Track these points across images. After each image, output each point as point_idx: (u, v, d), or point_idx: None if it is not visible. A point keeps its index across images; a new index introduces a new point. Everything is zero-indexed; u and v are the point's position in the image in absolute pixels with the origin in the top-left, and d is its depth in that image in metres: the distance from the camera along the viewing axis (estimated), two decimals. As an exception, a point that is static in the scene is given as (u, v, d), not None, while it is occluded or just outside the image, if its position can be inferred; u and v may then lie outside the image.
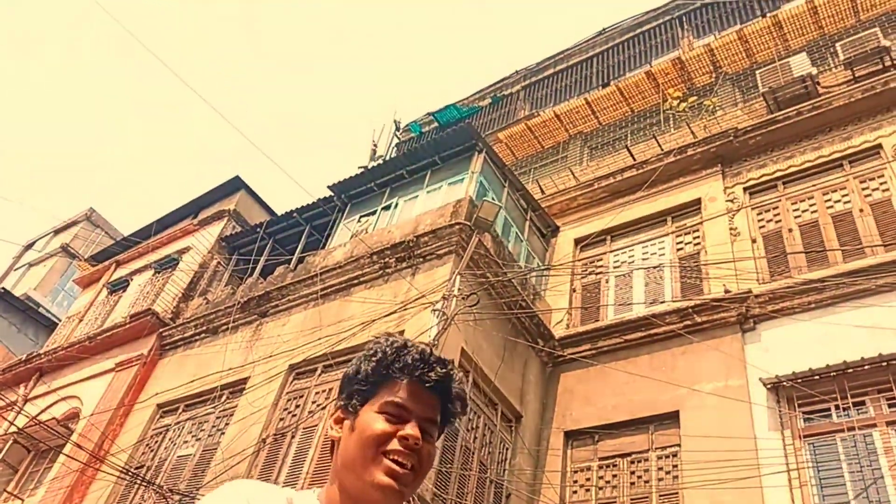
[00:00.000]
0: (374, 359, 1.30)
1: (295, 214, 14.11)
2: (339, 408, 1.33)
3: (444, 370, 1.30)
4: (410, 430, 1.23)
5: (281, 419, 10.00)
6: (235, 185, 16.89)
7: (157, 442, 11.61)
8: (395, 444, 1.22)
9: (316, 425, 9.44)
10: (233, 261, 15.16)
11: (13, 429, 12.38)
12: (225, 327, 12.31)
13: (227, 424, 10.64)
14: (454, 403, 1.33)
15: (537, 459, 10.11)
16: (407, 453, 1.22)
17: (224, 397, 11.15)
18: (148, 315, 13.57)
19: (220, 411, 11.06)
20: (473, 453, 9.29)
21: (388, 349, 1.30)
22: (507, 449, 10.06)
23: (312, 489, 1.33)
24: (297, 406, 10.00)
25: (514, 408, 10.26)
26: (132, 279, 16.61)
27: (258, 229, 14.74)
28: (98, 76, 63.94)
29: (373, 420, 1.24)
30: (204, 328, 12.80)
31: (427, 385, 1.28)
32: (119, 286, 16.88)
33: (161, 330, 13.35)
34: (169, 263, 15.90)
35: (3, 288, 22.95)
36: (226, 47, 66.34)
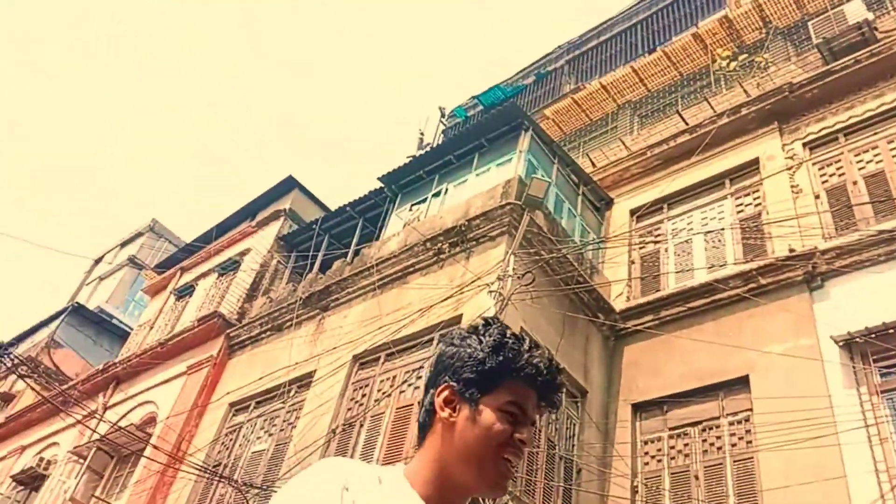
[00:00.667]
0: (501, 354, 1.28)
1: (348, 208, 14.28)
2: (451, 388, 1.29)
3: (558, 382, 1.33)
4: (527, 435, 1.25)
5: (349, 409, 10.17)
6: (289, 184, 17.20)
7: (231, 439, 11.95)
8: (511, 446, 1.24)
9: (383, 413, 9.56)
10: (292, 258, 15.45)
11: (96, 436, 12.91)
12: (289, 324, 12.56)
13: (297, 418, 10.87)
14: (545, 410, 1.34)
15: (606, 433, 10.01)
16: (518, 457, 1.25)
17: (292, 392, 11.39)
18: (214, 318, 13.96)
19: (289, 406, 11.31)
20: (540, 431, 9.25)
21: (517, 347, 1.29)
22: (574, 425, 9.99)
23: (395, 465, 1.33)
24: (364, 395, 10.15)
25: (579, 383, 10.17)
26: (197, 284, 17.10)
27: (314, 226, 14.98)
28: (139, 87, 65.91)
29: (497, 419, 1.24)
30: (269, 326, 13.09)
31: (547, 395, 1.31)
32: (185, 292, 17.40)
33: (228, 331, 13.70)
34: (231, 266, 16.30)
35: (77, 303, 23.96)
36: (274, 50, 67.47)
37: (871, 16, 11.96)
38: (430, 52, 67.48)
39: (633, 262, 12.18)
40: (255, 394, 11.99)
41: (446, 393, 1.29)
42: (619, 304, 11.29)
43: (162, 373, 14.35)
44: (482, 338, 1.31)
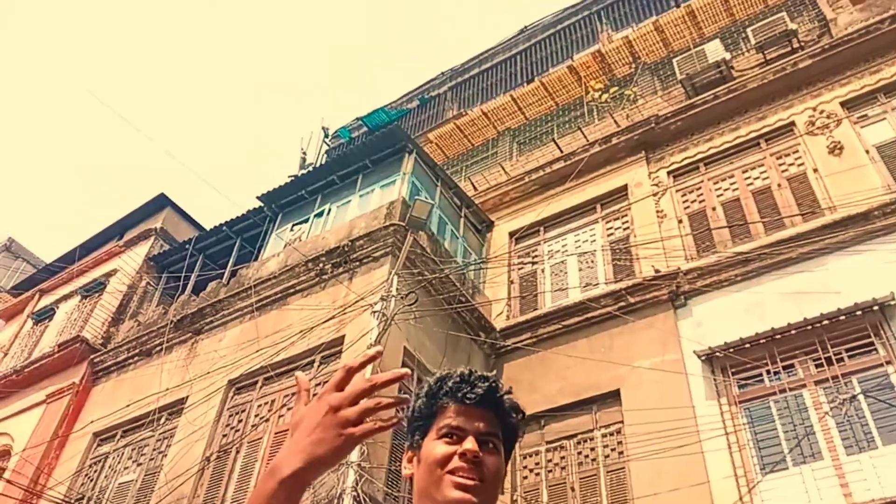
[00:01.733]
0: (422, 394, 1.37)
1: (224, 228, 13.83)
2: (407, 448, 1.39)
3: (485, 384, 1.34)
4: (468, 444, 1.27)
5: (224, 435, 9.78)
6: (160, 202, 16.46)
7: (96, 471, 11.20)
8: (456, 462, 1.26)
9: (261, 438, 9.26)
10: (163, 280, 14.76)
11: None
12: (159, 348, 11.97)
13: (168, 446, 10.35)
14: (509, 415, 1.36)
15: (486, 451, 10.13)
16: (469, 468, 1.25)
17: (163, 419, 10.84)
18: (77, 342, 13.09)
19: (159, 434, 10.75)
20: (422, 450, 9.24)
21: (434, 383, 1.37)
22: (455, 444, 10.05)
23: None
24: (240, 421, 9.80)
25: (461, 403, 10.26)
26: (58, 307, 15.99)
27: (187, 246, 14.39)
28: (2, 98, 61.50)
29: (433, 446, 1.29)
30: (137, 351, 12.42)
31: (474, 402, 1.32)
32: (45, 315, 16.23)
33: (92, 356, 12.89)
34: (96, 288, 15.37)
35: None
36: (142, 60, 64.73)
37: (728, 55, 13.01)
38: (314, 71, 66.99)
39: (512, 283, 12.53)
40: (121, 422, 11.30)
41: (407, 454, 1.39)
42: (499, 323, 11.55)
43: (18, 402, 13.29)
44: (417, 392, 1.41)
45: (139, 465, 10.62)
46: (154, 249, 15.22)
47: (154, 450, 10.61)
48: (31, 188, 63.78)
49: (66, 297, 15.97)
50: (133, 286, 14.52)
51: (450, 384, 1.34)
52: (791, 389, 8.28)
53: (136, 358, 12.40)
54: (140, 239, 15.64)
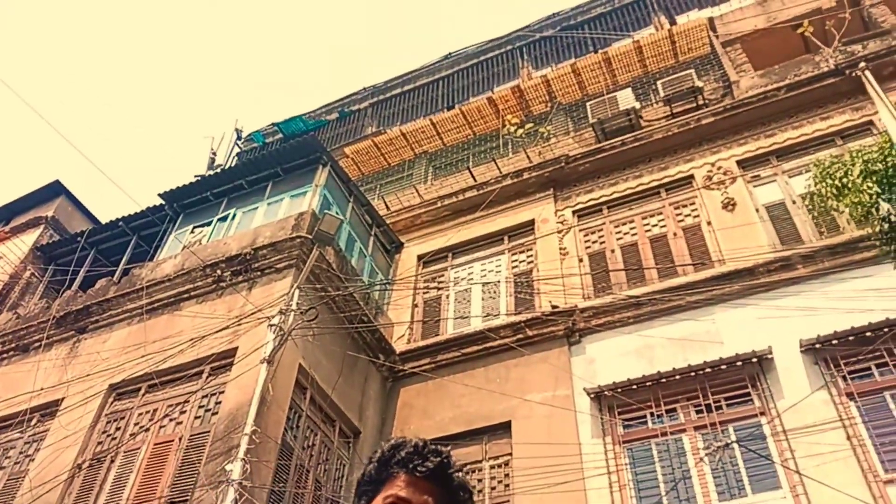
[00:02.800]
0: (374, 460, 1.41)
1: (121, 224, 13.23)
2: None
3: (437, 458, 1.37)
4: None
5: (99, 442, 9.29)
6: (55, 189, 15.62)
7: (-49, 473, 10.37)
8: None
9: (138, 448, 8.85)
10: (49, 272, 13.96)
11: None
12: (37, 344, 11.27)
13: (37, 450, 9.73)
14: (458, 493, 1.39)
15: (374, 475, 10.05)
16: None
17: (34, 420, 10.19)
18: (-55, 331, 12.15)
19: (28, 436, 10.10)
20: (309, 471, 9.08)
21: (387, 450, 1.40)
22: (344, 466, 9.94)
23: None
24: (118, 429, 9.34)
25: (353, 424, 10.17)
26: (-72, 291, 14.83)
27: (79, 238, 13.67)
28: None
29: None
30: (13, 345, 11.65)
31: (424, 475, 1.35)
32: (-89, 299, 15.00)
33: (-39, 348, 11.99)
34: (-27, 274, 14.36)
35: None
36: (47, 40, 61.48)
37: (638, 105, 13.61)
38: (231, 69, 65.37)
39: (416, 306, 12.56)
40: (-14, 421, 10.54)
41: None
42: (399, 346, 11.53)
43: None
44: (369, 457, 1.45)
45: (2, 468, 9.93)
46: (43, 239, 14.41)
47: (21, 453, 9.95)
48: None
49: (-63, 281, 14.84)
50: (15, 275, 13.67)
51: (402, 454, 1.37)
52: (672, 433, 8.64)
53: (10, 353, 11.63)
54: (28, 226, 14.77)
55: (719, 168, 11.69)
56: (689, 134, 12.36)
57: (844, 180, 8.10)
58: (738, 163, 11.62)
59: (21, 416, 10.14)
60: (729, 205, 11.01)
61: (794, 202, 10.68)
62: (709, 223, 11.01)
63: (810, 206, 10.18)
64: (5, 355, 11.64)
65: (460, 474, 1.41)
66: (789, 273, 9.55)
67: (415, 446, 1.38)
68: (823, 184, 8.59)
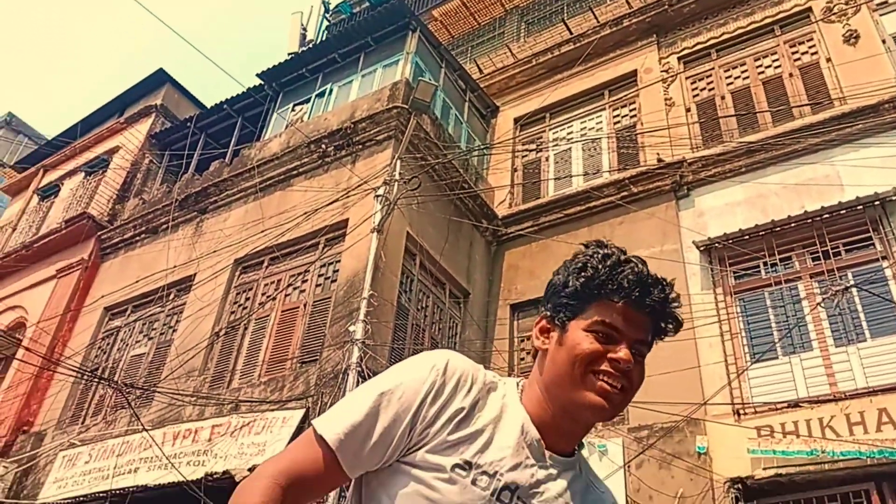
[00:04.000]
0: (584, 274, 1.24)
1: (226, 106, 13.63)
2: (545, 318, 1.30)
3: (662, 294, 1.24)
4: (623, 353, 1.19)
5: (232, 312, 10.08)
6: (160, 78, 16.11)
7: (108, 343, 11.61)
8: (605, 366, 1.19)
9: (268, 316, 9.55)
10: (165, 158, 14.69)
11: (-44, 342, 12.18)
12: (165, 226, 12.10)
13: (177, 322, 10.68)
14: (668, 324, 1.26)
15: (486, 331, 10.51)
16: (617, 375, 1.19)
17: (172, 295, 11.12)
18: (84, 219, 13.22)
19: (168, 309, 11.07)
20: (424, 330, 9.59)
21: (600, 266, 1.24)
22: (456, 324, 10.40)
23: (514, 378, 1.35)
24: (248, 299, 10.08)
25: (462, 285, 10.53)
26: (63, 183, 16.01)
27: (189, 124, 14.22)
28: (-4, -32, 58.76)
29: (583, 338, 1.21)
30: (143, 228, 12.57)
31: (644, 309, 1.23)
32: (50, 192, 16.28)
33: (99, 233, 13.05)
34: (99, 165, 15.33)
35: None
36: (134, -70, 61.34)
37: (748, -67, 12.35)
38: (311, -59, 63.65)
39: (516, 170, 12.51)
40: (131, 297, 11.61)
41: (542, 322, 1.31)
42: (501, 211, 11.64)
43: (29, 276, 13.56)
44: (571, 263, 1.29)
45: (150, 338, 11.00)
46: (156, 127, 15.06)
47: (164, 325, 10.97)
48: (28, 62, 62.14)
49: (70, 174, 15.95)
50: (136, 163, 14.48)
51: (624, 282, 1.22)
52: (787, 281, 8.48)
53: (142, 235, 12.57)
54: (141, 116, 15.43)
55: (841, -4, 10.63)
56: (808, -40, 11.21)
57: None
58: (864, -12, 10.52)
59: (160, 292, 11.08)
60: (851, 37, 10.09)
61: (928, 28, 9.67)
62: (828, 60, 10.18)
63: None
64: (138, 238, 12.59)
65: (677, 307, 1.27)
66: (919, 107, 8.82)
67: (638, 275, 1.22)
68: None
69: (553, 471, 1.24)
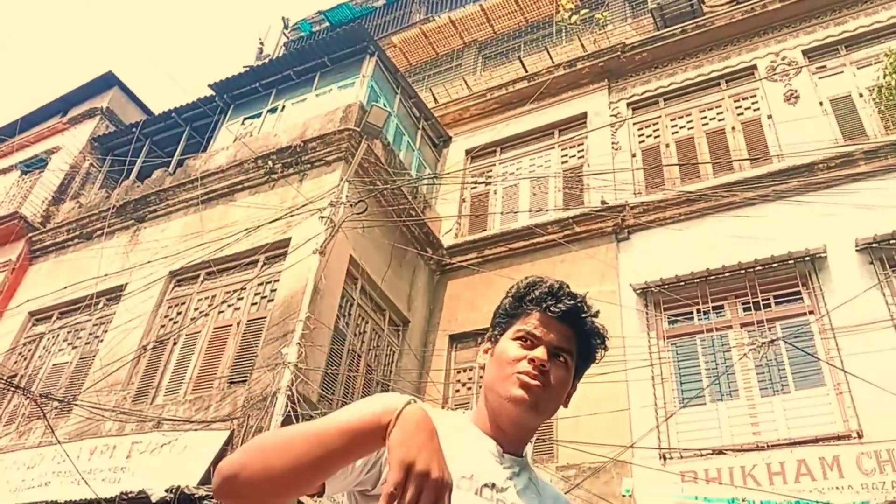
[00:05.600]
0: (510, 295, 1.46)
1: (174, 115, 13.36)
2: (487, 340, 1.50)
3: (571, 301, 1.40)
4: (539, 353, 1.35)
5: (162, 326, 9.80)
6: (108, 81, 15.74)
7: (30, 350, 11.14)
8: (524, 366, 1.35)
9: (199, 332, 9.30)
10: (107, 162, 14.29)
11: None
12: (100, 232, 11.75)
13: (104, 332, 10.33)
14: (592, 338, 1.43)
15: (423, 361, 10.45)
16: (535, 374, 1.34)
17: (101, 304, 10.76)
18: (15, 219, 12.73)
19: (96, 318, 10.70)
20: (360, 356, 9.47)
21: (523, 287, 1.44)
22: (394, 352, 10.31)
23: (462, 411, 1.53)
24: (179, 313, 9.80)
25: (402, 313, 10.47)
26: (-5, 180, 15.43)
27: (134, 129, 13.88)
28: (-54, -48, 56.82)
29: (508, 346, 1.39)
30: (77, 233, 12.17)
31: (555, 315, 1.39)
32: (-20, 188, 15.65)
33: (30, 235, 12.58)
34: (37, 164, 14.84)
35: None
36: (96, -72, 60.27)
37: (700, -11, 12.84)
38: (277, -43, 63.49)
39: (464, 201, 12.59)
40: (58, 304, 11.18)
41: (486, 345, 1.50)
42: (447, 241, 11.66)
43: (-51, 275, 12.94)
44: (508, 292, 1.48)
45: (74, 347, 10.60)
46: (99, 129, 14.67)
47: (90, 334, 10.58)
48: (-33, 47, 59.98)
49: (4, 171, 15.38)
50: (75, 166, 14.06)
51: (537, 292, 1.41)
52: (718, 329, 8.69)
53: (75, 240, 12.16)
54: (85, 117, 15.02)
55: (784, 58, 11.11)
56: (754, 21, 11.70)
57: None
58: (804, 52, 11.02)
59: (88, 300, 10.70)
60: (792, 97, 10.53)
61: (860, 95, 10.15)
62: (769, 116, 10.59)
63: (878, 100, 9.68)
64: (70, 242, 12.17)
65: (595, 320, 1.43)
66: (850, 169, 9.22)
67: (550, 287, 1.41)
68: (894, 75, 8.12)
69: (515, 468, 1.39)
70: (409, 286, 10.82)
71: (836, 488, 6.95)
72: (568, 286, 1.42)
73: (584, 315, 1.41)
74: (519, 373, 1.34)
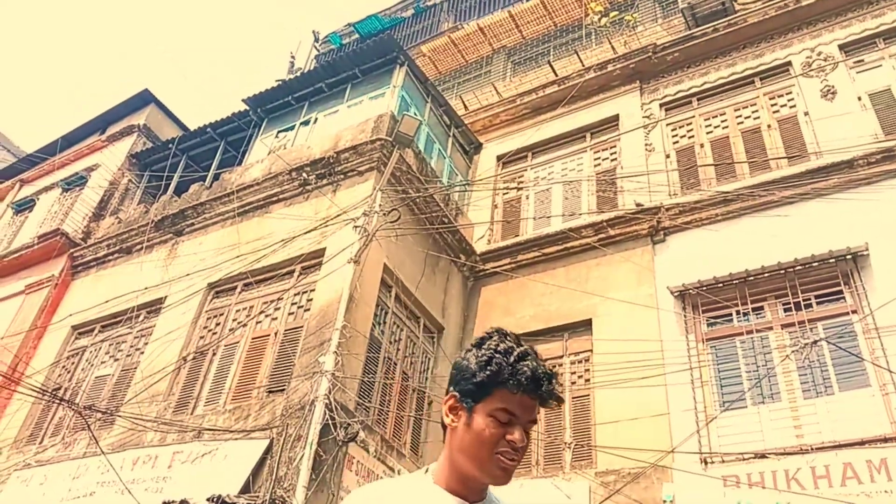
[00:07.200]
0: (489, 368, 1.43)
1: (209, 130, 13.61)
2: (453, 397, 1.48)
3: (551, 385, 1.45)
4: (517, 435, 1.41)
5: (201, 337, 9.93)
6: (144, 98, 16.07)
7: (73, 363, 11.38)
8: (503, 446, 1.41)
9: (237, 343, 9.42)
10: (145, 178, 14.60)
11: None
12: (139, 246, 11.97)
13: (145, 344, 10.50)
14: (551, 402, 1.48)
15: (458, 369, 10.40)
16: (513, 453, 1.41)
17: (141, 317, 10.96)
18: (57, 235, 13.05)
19: (137, 331, 10.89)
20: (396, 364, 9.49)
21: (503, 362, 1.43)
22: (429, 359, 10.32)
23: (423, 470, 1.55)
24: (218, 324, 9.94)
25: (437, 320, 10.47)
26: (38, 198, 15.84)
27: (170, 145, 14.17)
28: (-11, -20, 58.74)
29: (487, 424, 1.41)
30: (117, 248, 12.43)
31: (535, 399, 1.44)
32: (25, 206, 16.08)
33: (72, 250, 12.88)
34: (77, 182, 15.20)
35: None
36: (131, -49, 61.85)
37: (732, -14, 12.68)
38: (306, -28, 64.41)
39: (496, 207, 12.56)
40: (100, 317, 11.42)
41: (451, 402, 1.49)
42: (480, 247, 11.64)
43: (-4, 291, 13.32)
44: (478, 352, 1.47)
45: (116, 360, 10.80)
46: (137, 146, 14.98)
47: (131, 346, 10.78)
48: (11, 75, 61.87)
49: (46, 189, 15.79)
50: (114, 182, 14.37)
51: (521, 378, 1.41)
52: (758, 331, 8.52)
53: (115, 255, 12.42)
54: (123, 134, 15.36)
55: (819, 53, 10.90)
56: (787, 17, 11.50)
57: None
58: (841, 47, 10.80)
59: (129, 313, 10.91)
60: (829, 93, 10.32)
61: (901, 88, 9.91)
62: (806, 113, 10.38)
63: (920, 93, 9.44)
64: (111, 257, 12.43)
65: (560, 389, 1.49)
66: (891, 165, 9.00)
67: (534, 371, 1.42)
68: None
69: None
70: (442, 293, 10.82)
71: (885, 492, 6.75)
72: (542, 359, 1.45)
73: (557, 393, 1.47)
74: (499, 455, 1.40)
